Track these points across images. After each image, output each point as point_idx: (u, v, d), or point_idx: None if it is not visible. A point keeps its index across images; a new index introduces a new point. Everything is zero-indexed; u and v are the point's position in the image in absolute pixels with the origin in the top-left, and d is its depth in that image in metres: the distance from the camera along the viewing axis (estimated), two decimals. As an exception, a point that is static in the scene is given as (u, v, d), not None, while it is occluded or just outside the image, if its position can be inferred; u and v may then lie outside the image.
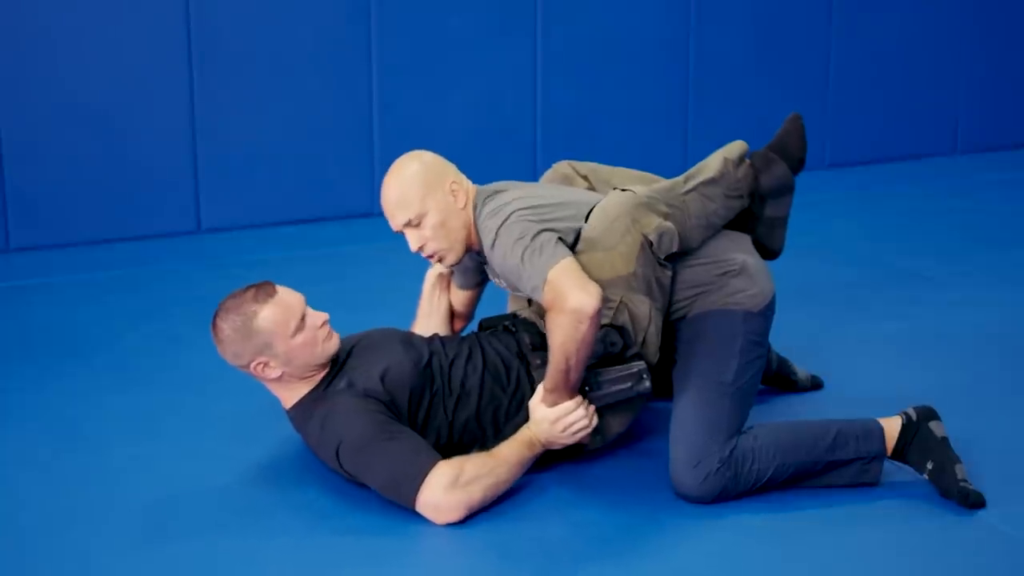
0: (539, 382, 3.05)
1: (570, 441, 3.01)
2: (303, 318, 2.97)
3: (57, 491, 3.07)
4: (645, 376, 2.99)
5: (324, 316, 3.02)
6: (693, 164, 5.89)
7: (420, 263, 3.10)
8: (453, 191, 3.09)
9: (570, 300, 2.82)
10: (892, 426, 3.02)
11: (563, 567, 2.74)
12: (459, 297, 3.42)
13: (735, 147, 3.29)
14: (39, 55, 5.00)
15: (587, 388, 2.99)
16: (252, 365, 2.97)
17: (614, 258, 2.98)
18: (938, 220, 5.52)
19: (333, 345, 3.02)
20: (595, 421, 3.01)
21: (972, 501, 2.91)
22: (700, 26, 6.03)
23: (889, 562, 2.76)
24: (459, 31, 5.62)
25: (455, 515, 2.85)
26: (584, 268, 2.95)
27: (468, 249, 3.15)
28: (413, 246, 3.12)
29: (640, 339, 3.02)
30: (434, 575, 2.76)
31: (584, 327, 2.82)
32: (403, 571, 2.73)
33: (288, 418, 3.09)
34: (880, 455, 3.01)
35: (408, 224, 3.10)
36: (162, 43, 5.16)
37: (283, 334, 2.94)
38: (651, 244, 2.99)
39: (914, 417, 3.02)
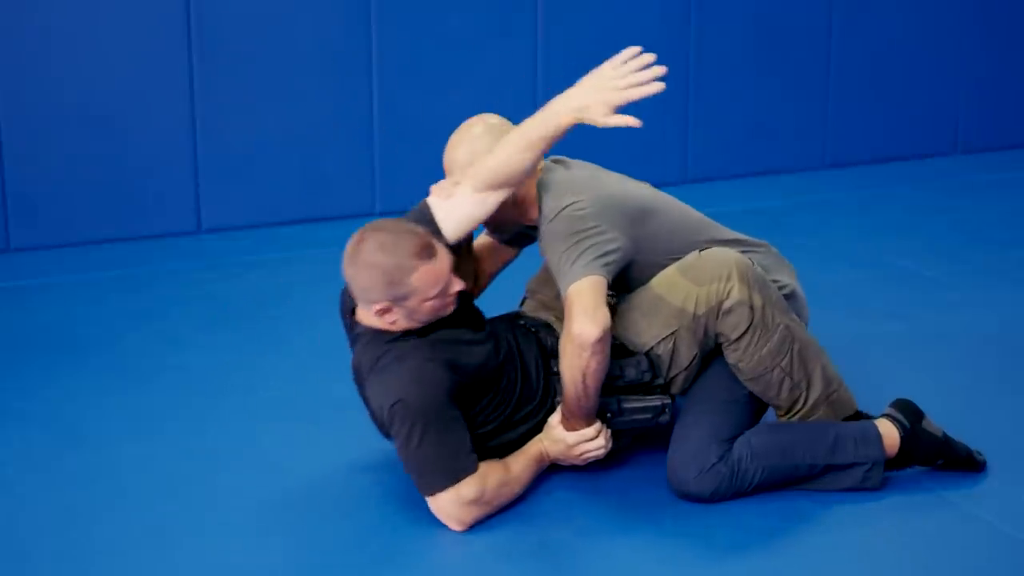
0: (557, 390, 3.05)
1: (581, 464, 3.02)
2: (447, 285, 2.91)
3: (57, 491, 3.07)
4: (668, 410, 2.99)
5: (461, 286, 2.94)
6: (693, 164, 5.89)
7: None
8: None
9: (574, 325, 2.82)
10: (889, 433, 3.02)
11: (565, 570, 2.74)
12: (496, 252, 3.39)
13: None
14: (39, 55, 5.00)
15: (609, 414, 2.99)
16: (375, 307, 2.90)
17: (691, 292, 2.97)
18: (938, 220, 5.51)
19: (452, 310, 2.97)
20: (610, 446, 3.01)
21: (980, 461, 3.06)
22: (700, 26, 6.03)
23: (889, 562, 2.76)
24: (459, 31, 5.62)
25: (458, 527, 2.87)
26: (667, 282, 2.98)
27: (513, 224, 3.16)
28: None
29: (671, 376, 3.03)
30: None
31: (587, 355, 2.82)
32: (404, 573, 2.73)
33: (353, 331, 3.02)
34: (880, 461, 3.00)
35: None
36: (162, 43, 5.16)
37: (424, 295, 2.87)
38: (719, 306, 2.95)
39: (907, 424, 3.03)
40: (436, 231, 2.96)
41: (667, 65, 2.82)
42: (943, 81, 6.63)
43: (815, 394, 3.03)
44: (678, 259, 3.07)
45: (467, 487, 2.84)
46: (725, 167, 6.20)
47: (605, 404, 2.98)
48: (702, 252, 3.04)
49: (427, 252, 2.85)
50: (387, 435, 2.94)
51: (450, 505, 2.85)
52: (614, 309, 3.04)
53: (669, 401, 2.99)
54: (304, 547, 2.81)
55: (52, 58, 5.02)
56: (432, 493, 2.85)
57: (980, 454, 3.09)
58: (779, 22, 6.21)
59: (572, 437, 2.97)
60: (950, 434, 3.08)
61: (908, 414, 3.05)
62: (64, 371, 3.85)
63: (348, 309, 3.07)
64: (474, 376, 2.92)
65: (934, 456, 3.04)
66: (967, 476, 3.07)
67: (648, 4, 5.92)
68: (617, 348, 3.00)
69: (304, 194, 5.51)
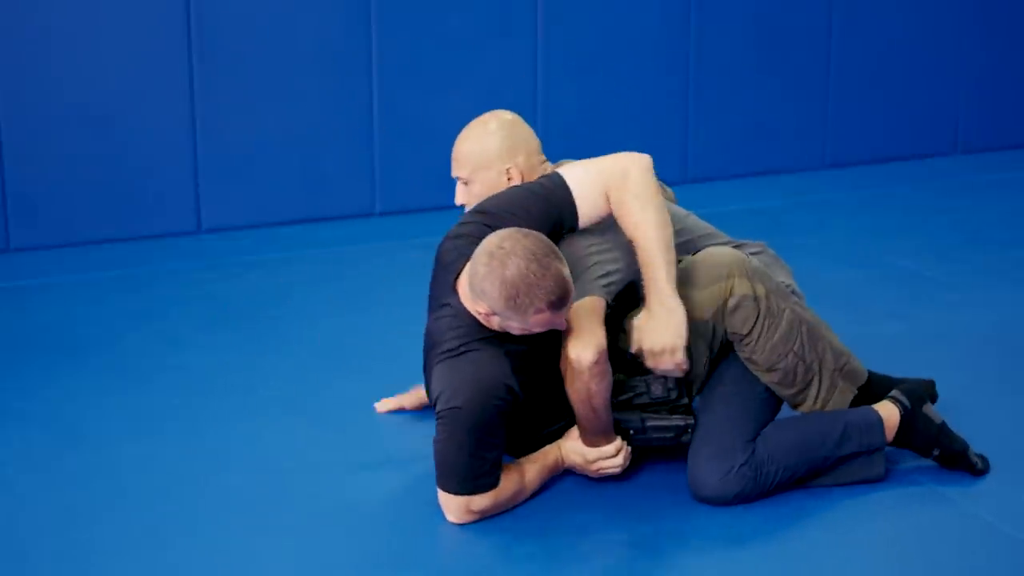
0: None
1: (595, 477, 3.02)
2: (555, 327, 2.84)
3: (57, 491, 3.07)
4: (690, 431, 2.99)
5: (564, 327, 2.84)
6: (694, 164, 5.87)
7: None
8: (509, 175, 3.14)
9: (570, 349, 2.83)
10: (890, 416, 3.05)
11: (566, 569, 2.74)
12: None
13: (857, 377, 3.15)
14: (39, 55, 5.00)
15: (632, 432, 2.99)
16: (480, 307, 2.80)
17: (695, 298, 2.97)
18: (938, 220, 5.51)
19: None
20: (627, 464, 3.01)
21: (980, 468, 3.05)
22: (700, 26, 6.03)
23: (888, 562, 2.76)
24: (459, 31, 5.62)
25: (455, 521, 2.89)
26: None
27: None
28: (457, 199, 3.21)
29: (687, 383, 3.04)
30: None
31: (586, 377, 2.82)
32: (405, 572, 2.73)
33: (445, 295, 2.93)
34: (881, 446, 3.03)
35: (459, 179, 3.20)
36: (162, 43, 5.16)
37: (528, 329, 2.80)
38: (724, 305, 2.95)
39: (908, 405, 3.05)
40: (572, 211, 2.94)
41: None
42: (943, 81, 6.63)
43: (828, 371, 3.05)
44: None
45: (479, 500, 2.86)
46: (725, 167, 6.19)
47: (628, 421, 2.99)
48: (696, 256, 3.04)
49: (560, 303, 2.76)
50: (433, 406, 2.93)
51: (456, 507, 2.87)
52: (624, 328, 3.04)
53: (692, 421, 2.99)
54: (304, 547, 2.81)
55: (52, 58, 5.01)
56: (446, 493, 2.87)
57: (984, 461, 3.08)
58: (779, 22, 6.21)
59: (592, 453, 2.98)
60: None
61: (911, 397, 3.08)
62: (64, 371, 3.84)
63: (449, 263, 2.94)
64: (533, 390, 2.90)
65: (931, 443, 3.05)
66: (967, 476, 3.07)
67: (648, 4, 5.92)
68: (639, 366, 3.01)
69: (304, 194, 5.51)
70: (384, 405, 3.48)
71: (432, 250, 3.03)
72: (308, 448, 3.30)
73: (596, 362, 2.82)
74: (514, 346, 2.87)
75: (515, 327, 2.81)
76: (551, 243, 2.78)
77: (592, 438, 2.96)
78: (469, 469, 2.83)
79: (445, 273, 2.94)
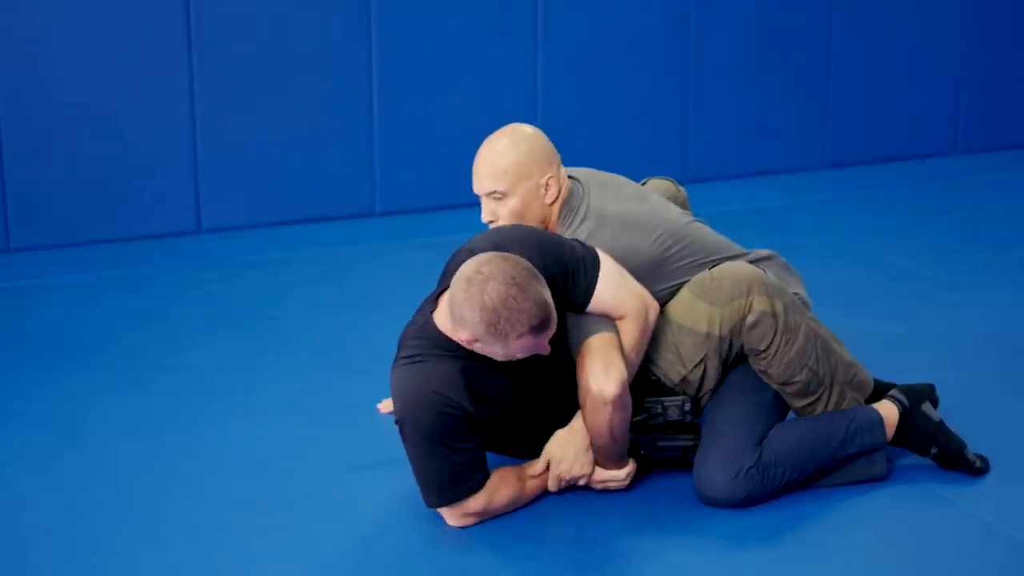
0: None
1: (597, 488, 3.03)
2: (537, 352, 2.76)
3: (56, 491, 3.07)
4: (695, 449, 3.01)
5: (547, 351, 2.76)
6: (694, 164, 5.87)
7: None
8: (547, 186, 3.09)
9: (591, 382, 2.81)
10: (890, 414, 3.06)
11: (564, 568, 2.74)
12: None
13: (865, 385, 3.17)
14: (39, 55, 5.00)
15: (642, 452, 3.02)
16: (461, 334, 2.74)
17: (714, 315, 2.97)
18: (938, 220, 5.51)
19: None
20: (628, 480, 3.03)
21: (978, 467, 3.06)
22: (700, 26, 6.03)
23: (887, 562, 2.76)
24: (459, 31, 5.62)
25: (456, 525, 2.88)
26: (686, 310, 2.98)
27: None
28: (485, 216, 3.12)
29: (699, 395, 3.05)
30: None
31: (609, 410, 2.82)
32: (405, 572, 2.73)
33: (428, 306, 2.90)
34: (882, 445, 3.05)
35: (491, 195, 3.09)
36: (162, 43, 5.16)
37: (510, 355, 2.74)
38: (743, 321, 2.95)
39: (906, 403, 3.07)
40: (588, 289, 2.87)
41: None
42: (943, 81, 6.63)
43: (838, 383, 3.07)
44: (687, 281, 3.09)
45: (472, 503, 2.85)
46: (725, 167, 6.20)
47: (640, 443, 3.01)
48: (714, 271, 3.04)
49: (542, 327, 2.68)
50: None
51: (450, 513, 2.87)
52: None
53: (699, 440, 3.01)
54: (304, 547, 2.81)
55: (52, 58, 5.02)
56: (430, 506, 2.87)
57: (983, 461, 3.09)
58: (779, 22, 6.21)
59: (603, 475, 2.99)
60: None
61: (909, 395, 3.10)
62: (63, 371, 3.84)
63: (446, 274, 2.89)
64: (497, 408, 2.86)
65: (929, 441, 3.06)
66: (966, 476, 3.07)
67: (648, 4, 5.92)
68: (653, 384, 3.03)
69: (304, 194, 5.51)
70: (387, 405, 3.48)
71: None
72: (308, 448, 3.31)
73: (619, 395, 2.81)
74: (470, 363, 2.81)
75: (498, 353, 2.74)
76: (532, 267, 2.70)
77: (605, 463, 2.97)
78: (439, 478, 2.81)
79: (440, 283, 2.91)
